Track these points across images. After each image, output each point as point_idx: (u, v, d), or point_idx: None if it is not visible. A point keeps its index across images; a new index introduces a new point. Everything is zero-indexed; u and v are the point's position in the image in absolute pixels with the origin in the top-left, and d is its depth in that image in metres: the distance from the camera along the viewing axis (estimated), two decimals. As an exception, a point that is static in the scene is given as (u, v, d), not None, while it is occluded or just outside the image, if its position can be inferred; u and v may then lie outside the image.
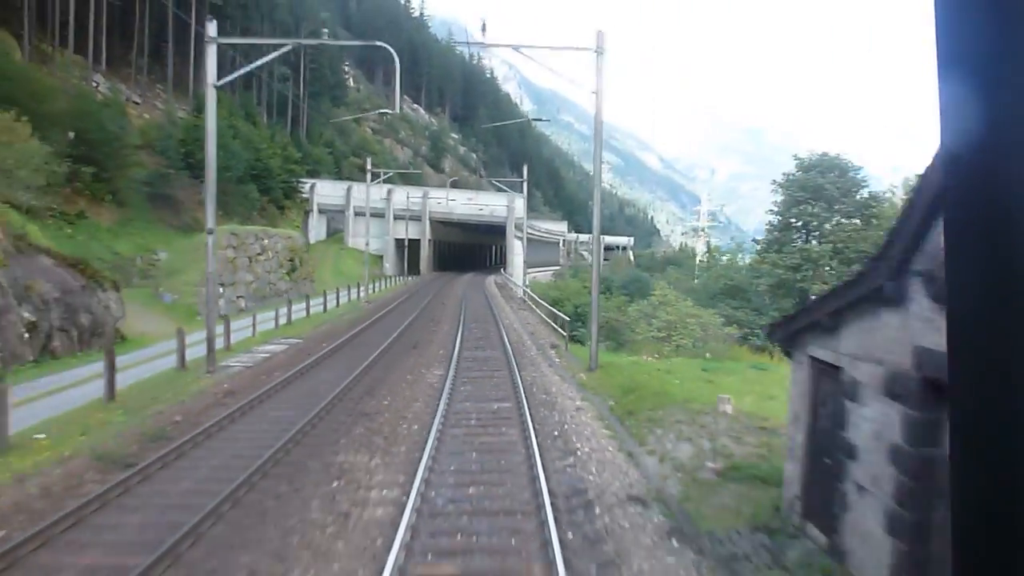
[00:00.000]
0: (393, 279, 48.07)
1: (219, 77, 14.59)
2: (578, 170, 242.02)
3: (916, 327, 4.59)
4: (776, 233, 28.96)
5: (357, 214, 52.70)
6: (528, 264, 49.41)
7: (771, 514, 6.57)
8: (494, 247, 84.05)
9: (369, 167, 38.62)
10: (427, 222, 57.61)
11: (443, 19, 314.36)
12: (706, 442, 8.95)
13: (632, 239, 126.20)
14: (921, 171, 5.03)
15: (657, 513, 6.83)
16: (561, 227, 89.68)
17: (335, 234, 56.97)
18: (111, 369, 10.94)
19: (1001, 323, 0.73)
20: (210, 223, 13.98)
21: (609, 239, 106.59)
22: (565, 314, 20.80)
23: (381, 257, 55.07)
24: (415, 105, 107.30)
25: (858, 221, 25.37)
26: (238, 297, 26.39)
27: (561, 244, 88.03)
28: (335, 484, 7.51)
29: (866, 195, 26.07)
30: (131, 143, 33.92)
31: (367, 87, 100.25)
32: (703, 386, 12.77)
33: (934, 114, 0.77)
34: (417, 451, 8.59)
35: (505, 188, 56.00)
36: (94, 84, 40.30)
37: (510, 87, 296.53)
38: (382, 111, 60.06)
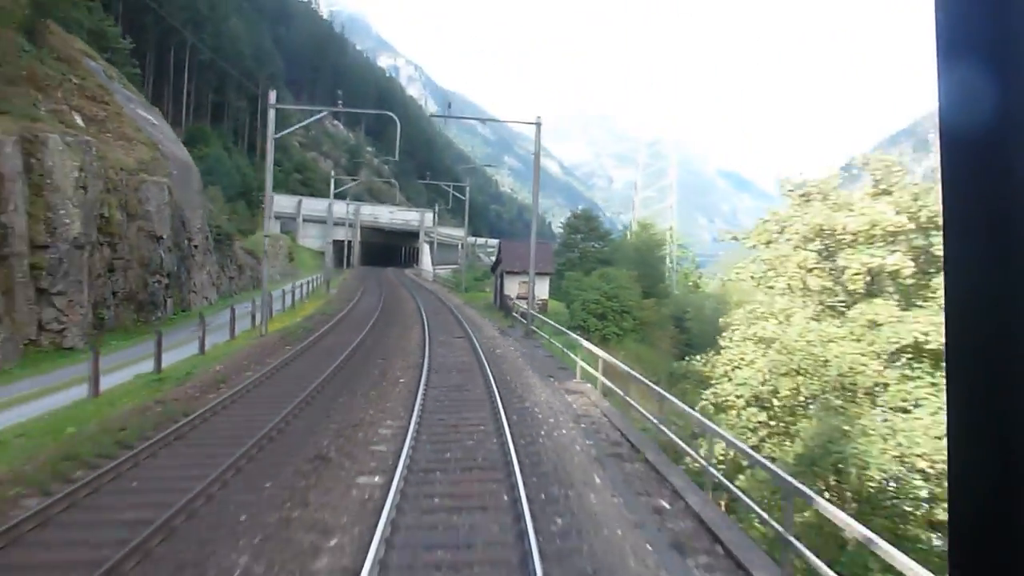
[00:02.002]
0: (341, 270, 71.96)
1: (274, 131, 38.94)
2: (479, 174, 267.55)
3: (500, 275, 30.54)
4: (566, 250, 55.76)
5: (306, 220, 76.18)
6: (434, 262, 74.66)
7: (488, 305, 32.40)
8: (405, 248, 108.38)
9: (332, 186, 62.76)
10: (358, 228, 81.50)
11: (351, 14, 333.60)
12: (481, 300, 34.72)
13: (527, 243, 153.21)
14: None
15: (458, 309, 32.31)
16: (460, 232, 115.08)
17: (287, 234, 79.88)
18: (291, 294, 35.16)
19: (1001, 314, 0.76)
20: (267, 230, 38.27)
21: (505, 241, 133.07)
22: (459, 286, 46.19)
23: (323, 253, 78.43)
24: (335, 121, 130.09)
25: (595, 244, 51.58)
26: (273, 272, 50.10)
27: (460, 246, 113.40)
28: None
29: (603, 232, 52.35)
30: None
31: (294, 104, 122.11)
32: (487, 295, 38.50)
33: (932, 107, 0.84)
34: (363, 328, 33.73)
35: (410, 198, 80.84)
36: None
37: (414, 89, 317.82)
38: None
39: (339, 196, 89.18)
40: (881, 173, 14.99)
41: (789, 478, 6.64)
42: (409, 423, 10.74)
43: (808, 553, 6.04)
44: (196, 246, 28.83)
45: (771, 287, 15.47)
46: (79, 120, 23.76)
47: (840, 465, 11.24)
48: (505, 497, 7.87)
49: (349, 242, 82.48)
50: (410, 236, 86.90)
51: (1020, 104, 0.74)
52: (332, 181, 67.42)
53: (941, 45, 0.80)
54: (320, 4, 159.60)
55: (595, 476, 8.88)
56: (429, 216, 79.71)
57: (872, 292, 13.52)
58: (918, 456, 10.93)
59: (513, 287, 29.83)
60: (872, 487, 11.19)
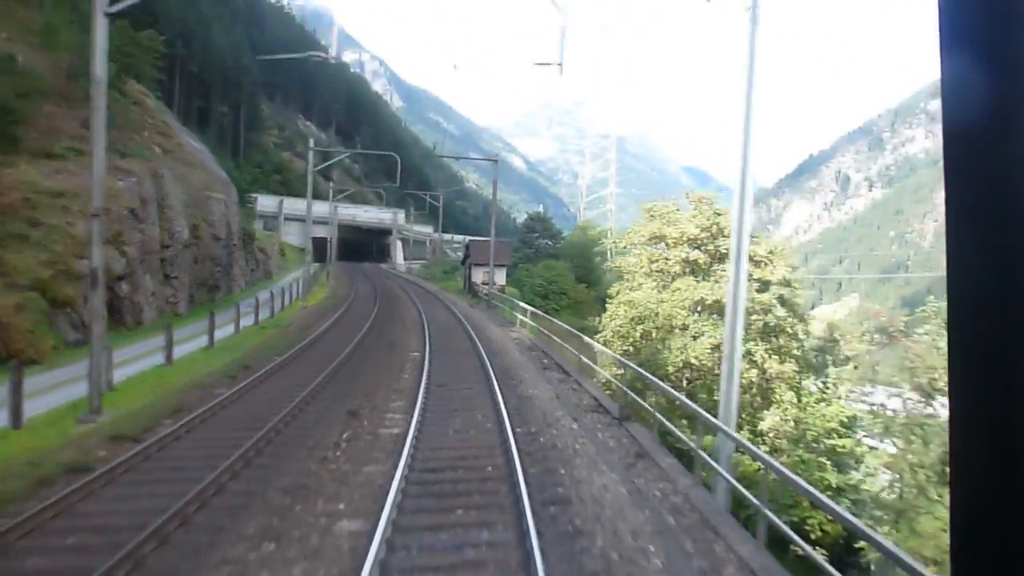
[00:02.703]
0: (324, 264, 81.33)
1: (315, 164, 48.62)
2: (445, 171, 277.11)
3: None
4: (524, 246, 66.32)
5: (287, 219, 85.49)
6: (406, 257, 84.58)
7: (460, 290, 42.66)
8: (376, 244, 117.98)
9: (332, 187, 72.10)
10: (335, 226, 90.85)
11: (314, 9, 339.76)
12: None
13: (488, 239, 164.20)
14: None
15: (437, 293, 42.44)
16: (428, 229, 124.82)
17: (269, 232, 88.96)
18: (299, 283, 44.89)
19: (1005, 300, 0.76)
20: (309, 233, 47.96)
21: (470, 238, 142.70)
22: (434, 277, 56.15)
23: (303, 249, 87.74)
24: (307, 122, 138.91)
25: (549, 242, 61.90)
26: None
27: (428, 243, 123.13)
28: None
29: (554, 231, 62.74)
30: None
31: (269, 106, 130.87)
32: (458, 283, 48.72)
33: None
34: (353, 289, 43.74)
35: (381, 193, 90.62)
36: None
37: (379, 84, 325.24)
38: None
39: (317, 197, 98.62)
40: (695, 203, 25.35)
41: (597, 345, 17.11)
42: (424, 341, 20.96)
43: (598, 368, 16.48)
44: (235, 244, 38.42)
45: (635, 271, 25.80)
46: (159, 152, 33.28)
47: (662, 363, 21.73)
48: (475, 358, 18.28)
49: (328, 239, 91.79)
50: (384, 233, 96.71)
51: (1022, 100, 0.75)
52: (310, 181, 76.54)
53: (944, 40, 0.82)
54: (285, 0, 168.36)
55: (515, 352, 19.55)
56: (401, 215, 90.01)
57: (684, 273, 23.82)
58: (694, 358, 21.45)
59: (479, 276, 39.99)
60: (671, 371, 21.70)
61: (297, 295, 35.32)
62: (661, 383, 12.07)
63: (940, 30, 0.81)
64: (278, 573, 5.99)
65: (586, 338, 18.36)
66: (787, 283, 23.34)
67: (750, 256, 22.60)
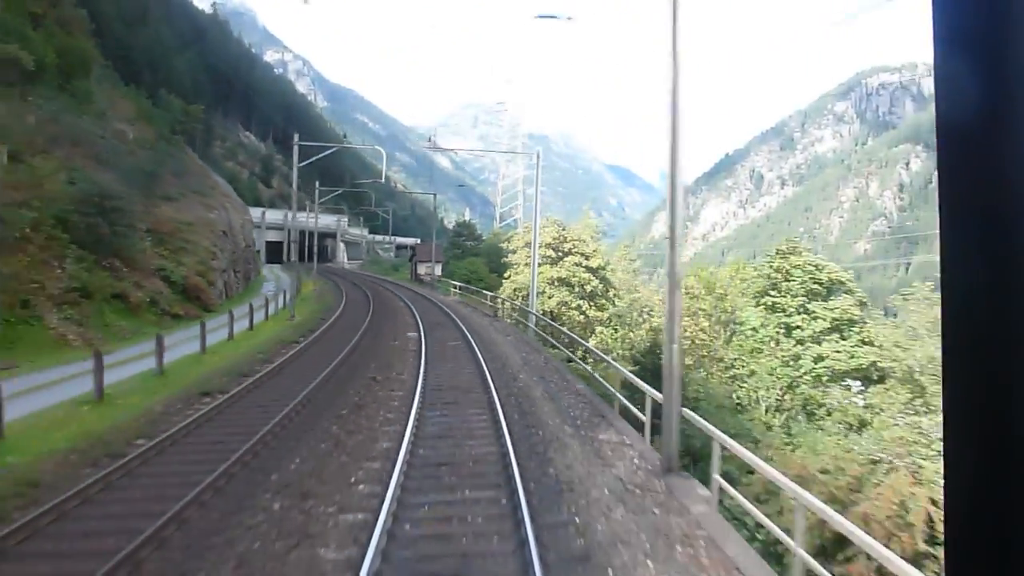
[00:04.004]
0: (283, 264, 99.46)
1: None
2: (372, 171, 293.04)
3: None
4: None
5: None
6: (348, 258, 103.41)
7: (408, 280, 62.38)
8: (319, 246, 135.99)
9: (317, 194, 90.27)
10: (288, 231, 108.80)
11: (235, 6, 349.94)
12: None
13: (419, 240, 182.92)
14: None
15: (391, 283, 62.03)
16: (364, 232, 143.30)
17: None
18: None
19: (999, 300, 0.79)
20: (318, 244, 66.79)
21: (400, 239, 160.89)
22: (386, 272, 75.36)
23: (259, 251, 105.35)
24: (247, 133, 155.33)
25: (472, 243, 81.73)
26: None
27: (364, 244, 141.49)
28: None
29: (477, 235, 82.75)
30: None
31: (211, 118, 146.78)
32: (406, 276, 68.34)
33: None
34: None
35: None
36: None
37: (303, 84, 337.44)
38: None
39: (259, 204, 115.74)
40: (552, 224, 45.69)
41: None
42: (404, 303, 40.67)
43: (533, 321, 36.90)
44: (249, 248, 57.01)
45: (519, 263, 46.00)
46: (210, 188, 51.63)
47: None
48: (435, 306, 38.43)
49: (283, 243, 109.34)
50: (329, 237, 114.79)
51: (1016, 98, 0.77)
52: (295, 191, 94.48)
53: (938, 40, 0.84)
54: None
55: (453, 304, 39.74)
56: (345, 220, 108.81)
57: (546, 263, 44.12)
58: (549, 308, 41.99)
59: (422, 269, 59.43)
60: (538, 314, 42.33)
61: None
62: (528, 311, 32.15)
63: (934, 26, 0.84)
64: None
65: (488, 297, 38.37)
66: (603, 268, 43.94)
67: (582, 253, 43.30)
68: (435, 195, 52.80)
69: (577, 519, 8.39)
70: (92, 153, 34.28)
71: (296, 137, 37.50)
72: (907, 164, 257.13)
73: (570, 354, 25.85)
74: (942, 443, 0.85)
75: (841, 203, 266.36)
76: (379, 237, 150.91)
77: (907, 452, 15.07)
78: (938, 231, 0.84)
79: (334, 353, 21.41)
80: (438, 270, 58.35)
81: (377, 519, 7.93)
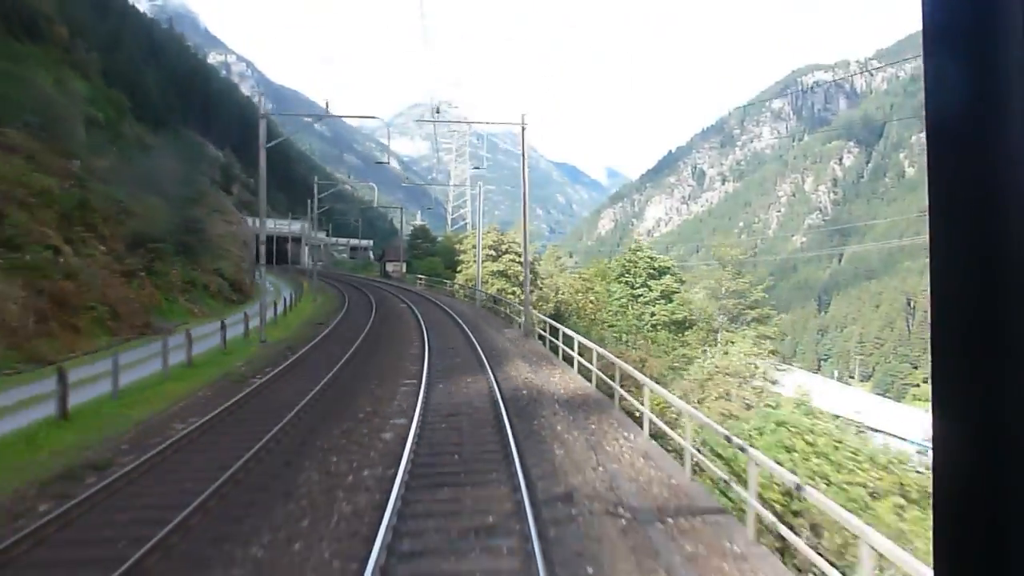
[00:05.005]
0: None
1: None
2: (320, 173, 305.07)
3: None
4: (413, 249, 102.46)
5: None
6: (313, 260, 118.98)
7: (379, 276, 78.88)
8: (282, 250, 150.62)
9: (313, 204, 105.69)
10: (256, 237, 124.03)
11: (175, 10, 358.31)
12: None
13: (372, 241, 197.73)
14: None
15: (365, 279, 78.33)
16: (322, 235, 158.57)
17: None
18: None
19: (988, 296, 0.80)
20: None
21: (354, 241, 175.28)
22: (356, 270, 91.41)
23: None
24: (207, 142, 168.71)
25: (429, 244, 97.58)
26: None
27: (322, 247, 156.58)
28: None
29: (432, 238, 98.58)
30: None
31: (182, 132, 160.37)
32: (375, 273, 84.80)
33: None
34: None
35: (274, 207, 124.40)
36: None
37: (246, 87, 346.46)
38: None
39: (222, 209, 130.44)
40: (492, 231, 62.42)
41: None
42: (387, 293, 57.16)
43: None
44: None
45: (469, 260, 62.74)
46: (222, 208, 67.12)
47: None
48: (406, 292, 55.08)
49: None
50: (294, 241, 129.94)
51: (1006, 94, 0.78)
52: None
53: (927, 34, 0.86)
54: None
55: (421, 292, 56.62)
56: (307, 226, 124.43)
57: (489, 259, 60.83)
58: (494, 291, 59.20)
59: (391, 267, 75.68)
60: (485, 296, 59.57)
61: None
62: (476, 291, 48.84)
63: (924, 23, 0.85)
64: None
65: (448, 287, 55.01)
66: (532, 262, 60.98)
67: (516, 252, 60.44)
68: (401, 209, 68.95)
69: (494, 346, 25.54)
70: (159, 189, 49.79)
71: (315, 187, 52.76)
72: (840, 159, 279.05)
73: (506, 312, 42.67)
74: (931, 439, 0.89)
75: (779, 198, 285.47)
76: (334, 240, 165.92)
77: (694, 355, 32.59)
78: (927, 227, 0.87)
79: (363, 319, 37.73)
80: (402, 268, 74.36)
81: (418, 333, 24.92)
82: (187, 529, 8.76)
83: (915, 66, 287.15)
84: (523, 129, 23.40)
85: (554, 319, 26.82)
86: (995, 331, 0.80)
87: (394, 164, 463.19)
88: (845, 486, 11.81)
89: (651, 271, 41.51)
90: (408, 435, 12.61)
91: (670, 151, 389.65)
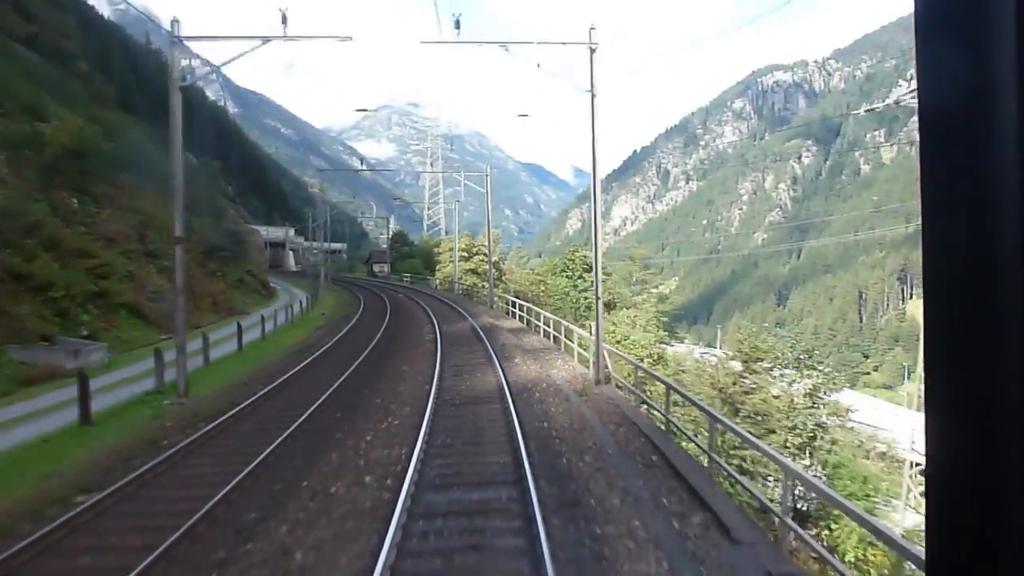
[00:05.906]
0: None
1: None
2: (288, 177, 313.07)
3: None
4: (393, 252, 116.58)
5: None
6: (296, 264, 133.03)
7: (367, 276, 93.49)
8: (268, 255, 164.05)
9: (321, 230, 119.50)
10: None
11: (136, 15, 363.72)
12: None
13: (346, 244, 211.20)
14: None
15: (356, 279, 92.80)
16: (300, 239, 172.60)
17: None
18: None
19: (980, 289, 0.81)
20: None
21: (327, 245, 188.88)
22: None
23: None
24: (187, 153, 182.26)
25: (408, 248, 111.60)
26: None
27: (300, 250, 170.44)
28: None
29: (410, 241, 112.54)
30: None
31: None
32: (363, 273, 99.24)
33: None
34: None
35: (253, 214, 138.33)
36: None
37: (211, 90, 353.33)
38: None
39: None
40: (465, 236, 77.10)
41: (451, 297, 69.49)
42: (382, 288, 71.69)
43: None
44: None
45: (446, 261, 77.30)
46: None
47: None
48: (396, 290, 69.83)
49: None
50: (279, 246, 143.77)
51: (998, 86, 0.78)
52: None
53: (919, 26, 0.87)
54: (103, 2, 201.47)
55: (408, 288, 71.38)
56: (291, 232, 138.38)
57: (463, 259, 75.25)
58: (467, 286, 74.20)
59: (377, 268, 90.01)
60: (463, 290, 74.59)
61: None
62: (455, 284, 63.52)
63: (916, 14, 0.87)
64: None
65: (431, 282, 69.53)
66: (498, 263, 75.75)
67: (484, 254, 75.57)
68: (388, 218, 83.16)
69: (471, 312, 40.53)
70: (198, 208, 63.71)
71: (328, 221, 66.73)
72: (800, 157, 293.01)
73: (477, 298, 57.24)
74: (924, 432, 0.90)
75: (740, 196, 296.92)
76: (310, 243, 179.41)
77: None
78: (920, 220, 0.89)
79: (380, 305, 52.14)
80: (387, 268, 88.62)
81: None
82: (346, 381, 21.74)
83: (870, 65, 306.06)
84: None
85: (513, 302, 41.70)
86: (987, 324, 0.81)
87: (356, 163, 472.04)
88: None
89: (585, 267, 56.12)
90: (438, 342, 27.91)
91: (635, 151, 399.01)
